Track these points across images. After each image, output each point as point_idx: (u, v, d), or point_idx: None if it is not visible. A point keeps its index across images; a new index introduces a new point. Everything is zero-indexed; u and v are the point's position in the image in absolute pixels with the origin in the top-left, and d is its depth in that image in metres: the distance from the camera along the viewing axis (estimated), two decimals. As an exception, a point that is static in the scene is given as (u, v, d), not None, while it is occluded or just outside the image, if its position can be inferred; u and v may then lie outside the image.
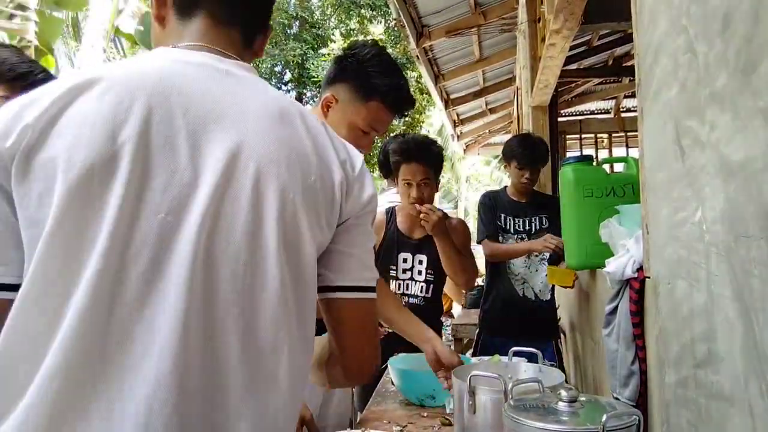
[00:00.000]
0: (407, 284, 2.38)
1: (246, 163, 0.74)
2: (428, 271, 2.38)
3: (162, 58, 0.80)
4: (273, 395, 0.75)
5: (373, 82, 1.46)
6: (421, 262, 2.38)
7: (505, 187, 2.89)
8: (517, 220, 2.68)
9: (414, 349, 2.23)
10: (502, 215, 2.71)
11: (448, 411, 1.66)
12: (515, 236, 2.68)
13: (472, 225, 3.32)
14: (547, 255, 2.64)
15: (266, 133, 0.77)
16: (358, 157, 0.87)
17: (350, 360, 0.90)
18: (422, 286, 2.38)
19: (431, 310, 2.34)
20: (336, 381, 0.95)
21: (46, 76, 1.51)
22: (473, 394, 1.19)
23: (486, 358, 2.02)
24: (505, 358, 1.99)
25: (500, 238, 2.69)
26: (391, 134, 3.07)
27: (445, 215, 2.49)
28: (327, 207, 0.81)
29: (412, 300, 2.36)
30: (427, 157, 2.25)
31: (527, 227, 2.67)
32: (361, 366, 0.91)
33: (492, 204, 2.76)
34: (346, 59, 1.50)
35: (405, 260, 2.39)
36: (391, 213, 2.48)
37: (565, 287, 2.51)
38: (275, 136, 0.77)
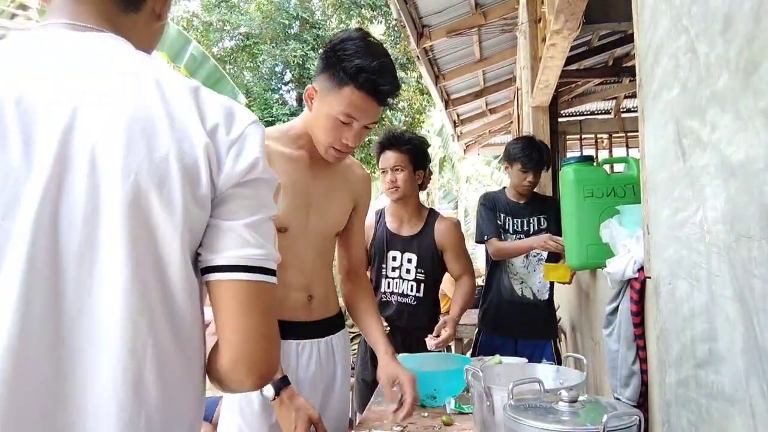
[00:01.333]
0: (396, 282, 2.38)
1: (81, 146, 0.66)
2: (418, 270, 2.37)
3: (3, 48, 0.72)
4: (137, 404, 0.67)
5: (344, 65, 1.36)
6: (410, 261, 2.38)
7: (504, 188, 2.89)
8: (516, 220, 2.69)
9: (414, 348, 2.23)
10: (502, 215, 2.72)
11: (448, 411, 1.66)
12: (514, 236, 2.69)
13: (472, 225, 3.32)
14: (545, 255, 2.64)
15: (104, 107, 0.68)
16: (241, 120, 0.74)
17: (228, 356, 0.73)
18: (412, 285, 2.37)
19: (424, 310, 2.34)
20: (221, 382, 0.77)
21: None
22: (491, 395, 1.19)
23: (487, 358, 2.02)
24: (505, 359, 2.00)
25: (500, 237, 2.69)
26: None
27: (437, 215, 2.48)
28: (189, 181, 0.69)
29: (402, 299, 2.36)
30: (398, 144, 2.33)
31: (526, 228, 2.68)
32: (245, 366, 0.74)
33: (492, 205, 2.77)
34: (325, 49, 1.45)
35: (394, 258, 2.40)
36: (380, 214, 2.49)
37: (563, 283, 2.51)
38: (114, 109, 0.68)
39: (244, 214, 0.73)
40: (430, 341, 2.13)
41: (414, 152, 2.36)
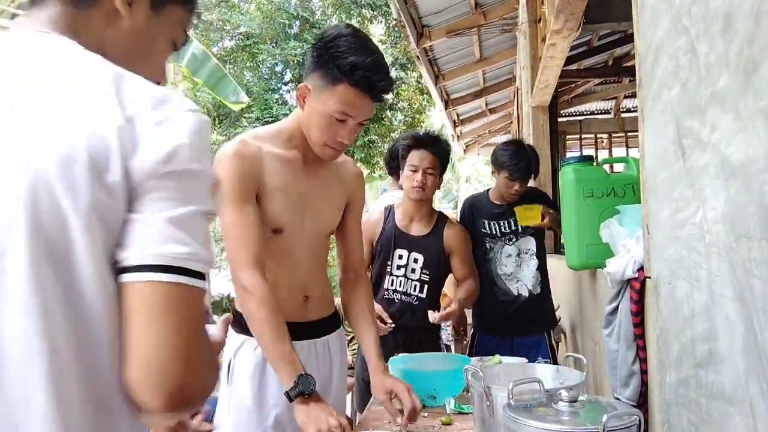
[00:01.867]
0: (401, 281, 2.38)
1: None
2: (423, 270, 2.37)
3: None
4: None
5: (337, 62, 1.35)
6: (416, 261, 2.38)
7: (488, 189, 2.85)
8: (501, 222, 2.66)
9: (414, 348, 2.23)
10: (485, 222, 2.68)
11: (448, 411, 1.66)
12: (503, 239, 2.66)
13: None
14: (535, 249, 2.64)
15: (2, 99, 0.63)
16: (171, 106, 0.66)
17: (130, 371, 0.61)
18: (416, 285, 2.37)
19: (426, 311, 2.34)
20: (128, 407, 0.63)
21: None
22: (491, 395, 1.19)
23: (487, 358, 2.02)
24: (505, 359, 2.00)
25: (487, 244, 2.67)
26: (392, 134, 3.08)
27: (447, 218, 2.48)
28: (96, 166, 0.61)
29: (405, 298, 2.36)
30: (435, 146, 2.32)
31: (513, 227, 2.65)
32: (149, 383, 0.61)
33: (470, 213, 2.74)
34: (315, 46, 1.43)
35: (400, 257, 2.39)
36: (390, 209, 2.49)
37: (537, 225, 2.51)
38: (11, 100, 0.63)
39: (165, 207, 0.62)
40: (433, 314, 2.16)
41: (446, 158, 2.40)
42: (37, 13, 0.73)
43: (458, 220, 2.77)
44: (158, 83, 0.80)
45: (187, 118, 0.66)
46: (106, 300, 0.62)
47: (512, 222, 2.65)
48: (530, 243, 2.65)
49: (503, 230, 2.66)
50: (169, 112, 0.65)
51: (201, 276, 0.65)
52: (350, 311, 1.72)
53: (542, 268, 2.67)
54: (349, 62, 1.35)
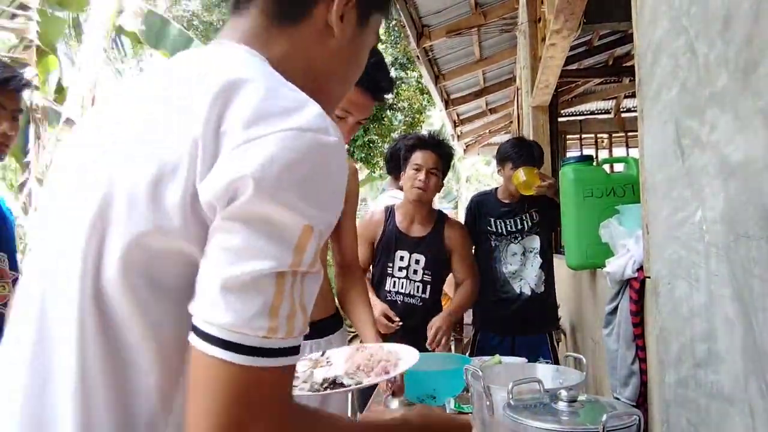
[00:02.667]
0: (402, 282, 2.38)
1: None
2: (425, 271, 2.37)
3: None
4: None
5: None
6: (417, 262, 2.38)
7: (496, 188, 2.86)
8: (508, 221, 2.67)
9: (420, 349, 2.23)
10: (492, 219, 2.69)
11: (448, 411, 1.66)
12: (509, 237, 2.66)
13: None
14: (538, 247, 2.64)
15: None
16: (273, 122, 0.53)
17: None
18: (419, 286, 2.37)
19: (428, 311, 2.34)
20: None
21: (27, 83, 1.58)
22: (491, 395, 1.19)
23: (487, 358, 2.02)
24: (505, 358, 2.00)
25: (493, 242, 2.67)
26: (392, 134, 3.08)
27: (446, 217, 2.48)
28: (159, 178, 0.53)
29: (408, 300, 2.36)
30: (440, 148, 2.34)
31: (519, 226, 2.66)
32: None
33: (475, 211, 2.76)
34: None
35: (402, 258, 2.39)
36: (390, 211, 2.49)
37: (540, 192, 2.48)
38: (129, 115, 0.61)
39: (225, 260, 0.51)
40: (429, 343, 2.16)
41: (449, 161, 2.42)
42: (234, 24, 0.69)
43: (464, 216, 2.79)
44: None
45: (272, 140, 0.52)
46: (141, 330, 0.56)
47: (518, 220, 2.66)
48: (535, 242, 2.65)
49: (509, 229, 2.67)
50: (262, 130, 0.52)
51: (260, 353, 0.51)
52: (346, 300, 1.75)
53: (547, 268, 2.67)
54: None
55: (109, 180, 0.56)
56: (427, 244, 2.38)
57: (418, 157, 2.32)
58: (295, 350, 0.54)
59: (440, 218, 2.45)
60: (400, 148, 2.58)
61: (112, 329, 0.56)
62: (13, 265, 1.68)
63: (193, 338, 0.53)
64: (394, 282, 2.39)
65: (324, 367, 1.35)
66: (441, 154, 2.33)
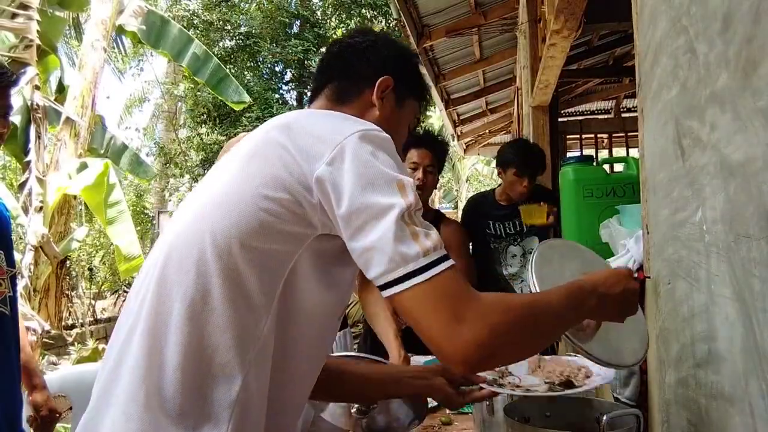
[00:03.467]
0: None
1: None
2: None
3: None
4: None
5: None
6: None
7: (494, 189, 2.83)
8: (507, 223, 2.65)
9: (415, 348, 2.22)
10: (490, 222, 2.67)
11: (447, 411, 1.66)
12: (508, 239, 2.65)
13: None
14: None
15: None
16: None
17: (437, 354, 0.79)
18: None
19: None
20: None
21: (16, 79, 1.61)
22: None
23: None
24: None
25: (492, 244, 2.66)
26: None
27: (442, 216, 2.47)
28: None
29: None
30: (435, 146, 2.34)
31: (518, 228, 2.64)
32: (447, 359, 0.76)
33: (473, 213, 2.74)
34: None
35: None
36: None
37: (544, 225, 2.49)
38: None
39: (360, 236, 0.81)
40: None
41: (444, 158, 2.41)
42: (313, 106, 1.04)
43: (461, 217, 2.77)
44: None
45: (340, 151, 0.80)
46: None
47: (518, 223, 2.64)
48: (535, 243, 2.63)
49: (508, 231, 2.65)
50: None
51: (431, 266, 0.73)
52: (367, 310, 1.93)
53: None
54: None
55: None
56: None
57: (413, 155, 2.32)
58: (448, 255, 0.75)
59: (436, 217, 2.45)
60: None
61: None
62: (10, 262, 1.67)
63: (390, 291, 0.73)
64: None
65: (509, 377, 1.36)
66: (436, 151, 2.33)
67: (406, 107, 1.05)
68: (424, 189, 2.31)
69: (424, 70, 1.12)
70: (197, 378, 0.77)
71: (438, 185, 2.49)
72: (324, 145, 0.79)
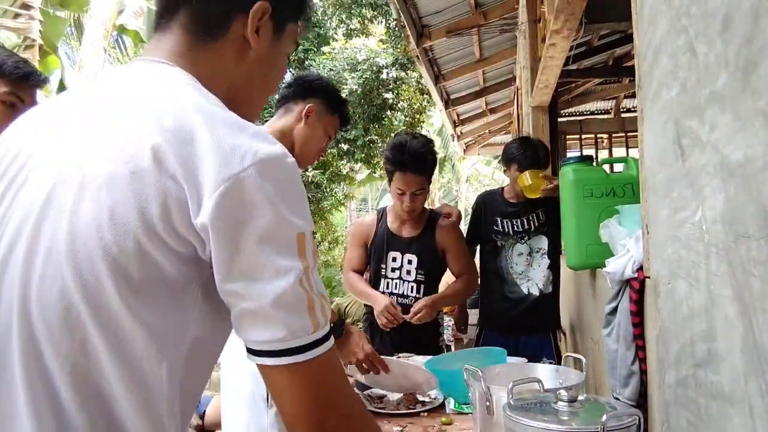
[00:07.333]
0: (396, 283, 2.38)
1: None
2: (418, 271, 2.37)
3: None
4: None
5: (337, 98, 1.87)
6: (410, 262, 2.38)
7: (503, 187, 2.87)
8: (514, 221, 2.66)
9: (411, 348, 2.23)
10: (498, 219, 2.69)
11: (448, 411, 1.66)
12: (515, 237, 2.66)
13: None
14: (546, 248, 2.63)
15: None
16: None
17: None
18: (412, 286, 2.37)
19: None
20: None
21: (45, 79, 1.59)
22: (491, 395, 1.19)
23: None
24: (510, 359, 1.99)
25: (499, 242, 2.67)
26: (392, 134, 3.06)
27: (438, 216, 2.46)
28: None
29: (401, 300, 2.36)
30: (422, 169, 2.24)
31: (525, 226, 2.65)
32: None
33: (481, 209, 2.76)
34: (320, 81, 1.86)
35: (394, 259, 2.39)
36: (382, 212, 2.49)
37: (548, 194, 2.48)
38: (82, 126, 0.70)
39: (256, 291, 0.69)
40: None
41: (433, 170, 2.35)
42: (159, 42, 0.76)
43: (471, 214, 2.78)
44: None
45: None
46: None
47: (525, 221, 2.66)
48: (542, 242, 2.65)
49: (516, 229, 2.66)
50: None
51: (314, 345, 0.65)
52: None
53: (555, 268, 2.67)
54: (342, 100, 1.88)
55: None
56: (418, 244, 2.38)
57: (399, 181, 2.25)
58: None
59: (432, 218, 2.44)
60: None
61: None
62: None
63: (264, 361, 0.64)
64: (388, 283, 2.39)
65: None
66: (423, 172, 2.25)
67: (285, 35, 0.82)
68: (415, 210, 2.31)
69: None
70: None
71: (438, 185, 2.50)
72: (216, 175, 0.60)
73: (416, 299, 2.36)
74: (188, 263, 0.64)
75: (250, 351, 0.65)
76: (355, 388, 1.57)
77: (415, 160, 2.21)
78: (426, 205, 2.50)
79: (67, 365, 0.61)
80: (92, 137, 0.66)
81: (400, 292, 2.38)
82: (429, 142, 2.33)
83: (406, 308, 2.35)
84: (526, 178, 2.51)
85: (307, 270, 0.64)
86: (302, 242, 0.64)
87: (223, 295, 0.64)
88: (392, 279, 2.39)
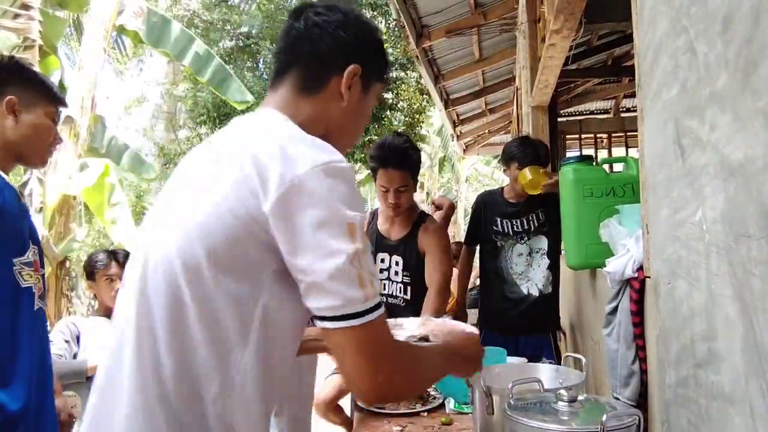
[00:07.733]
0: (384, 284, 2.38)
1: None
2: (404, 273, 2.36)
3: None
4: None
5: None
6: (397, 264, 2.37)
7: (503, 187, 2.87)
8: (514, 221, 2.66)
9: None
10: (498, 219, 2.69)
11: (447, 411, 1.66)
12: (515, 237, 2.66)
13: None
14: (546, 248, 2.63)
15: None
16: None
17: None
18: (400, 287, 2.37)
19: (413, 312, 2.33)
20: None
21: (62, 99, 1.69)
22: (491, 395, 1.19)
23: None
24: (510, 359, 1.99)
25: (498, 242, 2.67)
26: (392, 133, 3.05)
27: (425, 219, 2.42)
28: None
29: (391, 300, 2.35)
30: (403, 164, 2.21)
31: (525, 226, 2.65)
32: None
33: (481, 209, 2.76)
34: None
35: (383, 260, 2.39)
36: (374, 215, 2.48)
37: (549, 189, 2.46)
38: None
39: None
40: None
41: (417, 167, 2.31)
42: (272, 96, 0.99)
43: (471, 214, 2.78)
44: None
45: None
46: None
47: (525, 221, 2.66)
48: (542, 242, 2.65)
49: (515, 229, 2.66)
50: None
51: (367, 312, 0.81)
52: None
53: (555, 268, 2.67)
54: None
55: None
56: (403, 246, 2.37)
57: (382, 178, 2.22)
58: (381, 303, 0.84)
59: (419, 221, 2.39)
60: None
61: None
62: (42, 263, 1.60)
63: (327, 324, 0.80)
64: None
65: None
66: (406, 168, 2.21)
67: (371, 93, 1.03)
68: (400, 207, 2.26)
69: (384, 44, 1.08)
70: (190, 384, 0.83)
71: (438, 185, 2.49)
72: (283, 175, 0.80)
73: (405, 300, 2.35)
74: (266, 247, 0.82)
75: (315, 317, 0.82)
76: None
77: (395, 155, 2.20)
78: (425, 206, 2.49)
79: (167, 315, 0.82)
80: (215, 159, 0.90)
81: (389, 293, 2.38)
82: (411, 140, 2.32)
83: (395, 308, 2.34)
84: (527, 174, 2.51)
85: (357, 252, 0.80)
86: (353, 229, 0.80)
87: (292, 270, 0.81)
88: (381, 280, 2.39)
